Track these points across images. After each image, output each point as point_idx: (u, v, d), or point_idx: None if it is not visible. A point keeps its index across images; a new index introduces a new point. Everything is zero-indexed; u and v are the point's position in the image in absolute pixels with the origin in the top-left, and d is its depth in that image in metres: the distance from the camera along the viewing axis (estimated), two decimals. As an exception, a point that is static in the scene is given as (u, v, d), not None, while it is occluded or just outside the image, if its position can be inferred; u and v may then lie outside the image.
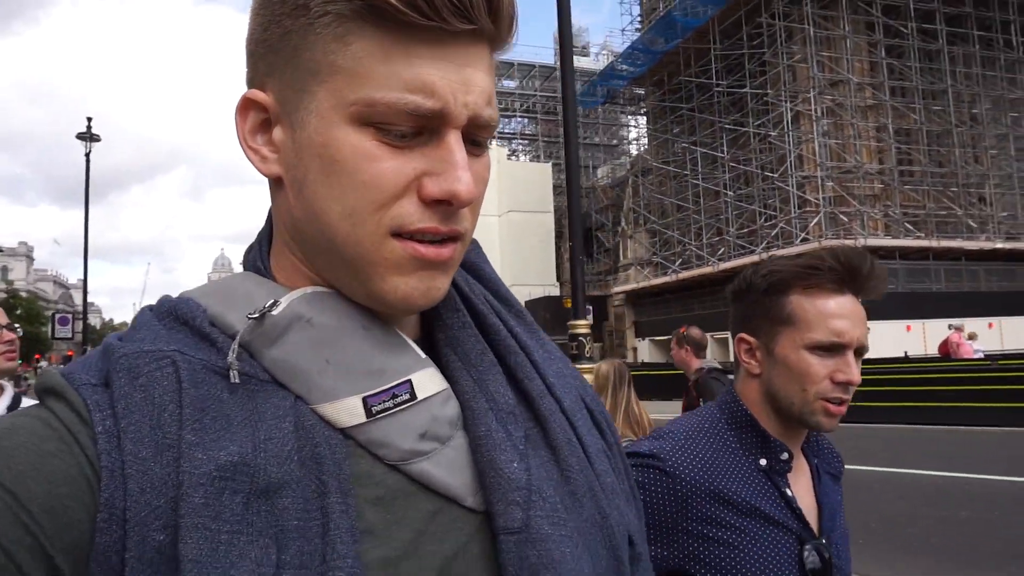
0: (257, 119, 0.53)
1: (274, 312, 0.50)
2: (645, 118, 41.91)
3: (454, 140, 0.49)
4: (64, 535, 0.41)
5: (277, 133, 0.52)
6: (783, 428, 1.15)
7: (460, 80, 0.48)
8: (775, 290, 1.13)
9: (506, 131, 50.50)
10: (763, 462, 1.13)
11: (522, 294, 41.31)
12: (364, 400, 0.49)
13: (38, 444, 0.43)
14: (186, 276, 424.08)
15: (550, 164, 49.31)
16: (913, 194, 29.34)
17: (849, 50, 29.31)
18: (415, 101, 0.46)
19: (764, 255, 28.96)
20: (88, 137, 19.06)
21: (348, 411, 0.49)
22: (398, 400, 0.50)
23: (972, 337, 15.74)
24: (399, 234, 0.49)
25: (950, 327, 15.93)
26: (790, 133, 28.67)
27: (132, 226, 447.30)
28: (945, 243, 28.17)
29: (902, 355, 20.24)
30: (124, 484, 0.42)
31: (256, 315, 0.49)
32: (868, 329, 1.11)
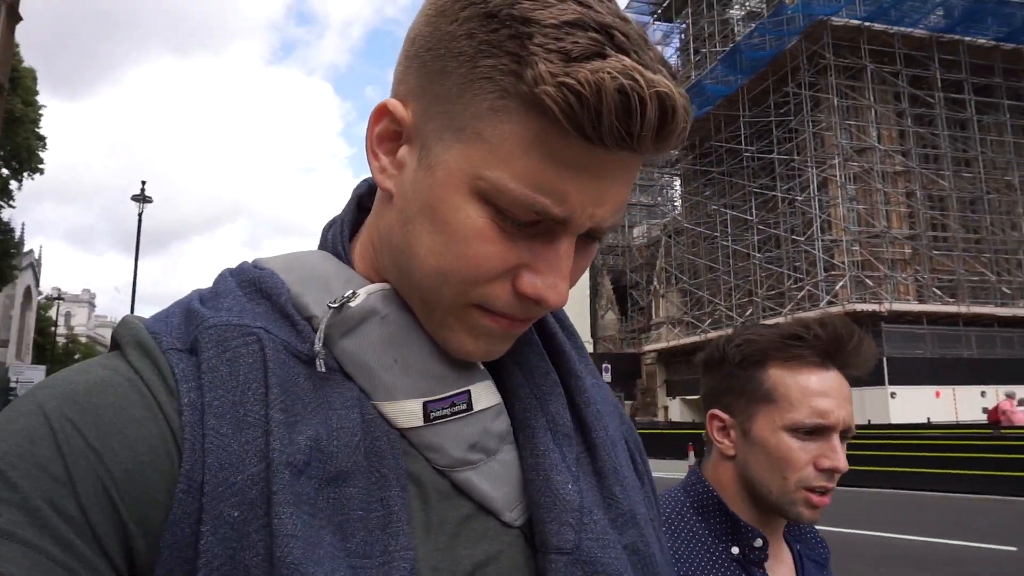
0: (389, 128, 0.51)
1: (352, 304, 0.50)
2: (679, 180, 42.78)
3: (565, 246, 0.48)
4: (140, 503, 0.42)
5: (403, 153, 0.51)
6: (760, 516, 1.04)
7: (596, 193, 0.46)
8: (751, 363, 1.03)
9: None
10: (735, 550, 1.02)
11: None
12: (425, 404, 0.50)
13: (125, 406, 0.44)
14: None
15: (586, 223, 50.43)
16: (944, 260, 29.32)
17: (875, 119, 29.92)
18: (544, 204, 0.45)
19: (789, 318, 29.10)
20: (141, 199, 20.83)
21: (408, 412, 0.50)
22: (455, 409, 0.51)
23: (1022, 403, 15.52)
24: (482, 307, 0.49)
25: (1007, 395, 15.79)
26: (816, 198, 29.16)
27: (191, 275, 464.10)
28: (976, 309, 27.97)
29: (924, 420, 20.17)
30: (204, 458, 0.43)
31: (336, 304, 0.49)
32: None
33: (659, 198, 48.76)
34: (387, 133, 0.52)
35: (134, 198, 20.83)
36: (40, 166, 24.67)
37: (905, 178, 29.83)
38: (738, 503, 1.05)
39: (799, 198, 30.03)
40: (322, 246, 0.58)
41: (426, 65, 0.49)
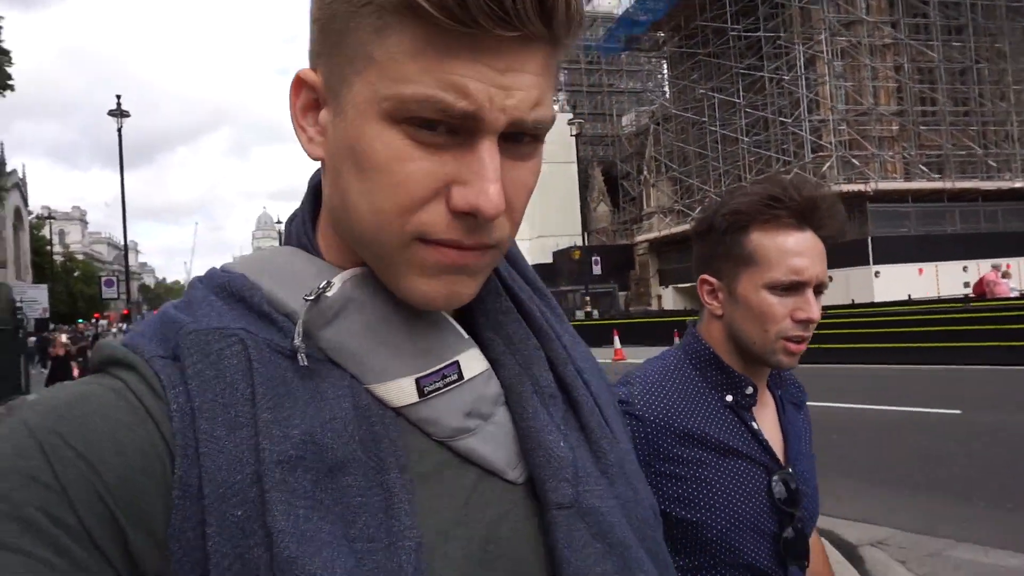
0: (308, 98, 0.52)
1: (328, 293, 0.51)
2: (666, 64, 41.60)
3: (486, 148, 0.46)
4: (136, 508, 0.42)
5: (323, 115, 0.51)
6: (746, 366, 1.15)
7: (500, 84, 0.45)
8: (735, 228, 1.12)
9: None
10: (729, 398, 1.14)
11: (548, 245, 42.34)
12: (417, 380, 0.51)
13: (112, 414, 0.44)
14: (234, 233, 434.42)
15: (571, 114, 49.51)
16: (931, 135, 29.10)
17: (863, -11, 28.82)
18: (446, 99, 0.44)
19: (776, 202, 29.23)
20: (119, 114, 20.43)
21: (401, 391, 0.51)
22: (447, 380, 0.52)
23: (1007, 275, 15.87)
24: (424, 240, 0.49)
25: (992, 266, 15.98)
26: (802, 77, 28.59)
27: (180, 186, 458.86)
28: (961, 184, 28.08)
29: (906, 298, 20.77)
30: (199, 462, 0.43)
31: (312, 297, 0.50)
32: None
33: (650, 83, 47.52)
34: (308, 103, 0.53)
35: (111, 113, 20.45)
36: (9, 82, 23.92)
37: (894, 51, 29.10)
38: (728, 356, 1.16)
39: (786, 77, 29.42)
40: (286, 242, 0.60)
41: (320, 21, 0.50)
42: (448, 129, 0.46)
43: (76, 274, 68.90)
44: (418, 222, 0.48)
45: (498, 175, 0.47)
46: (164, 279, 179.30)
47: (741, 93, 31.99)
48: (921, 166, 28.60)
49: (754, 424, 1.14)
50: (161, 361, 0.47)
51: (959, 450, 6.55)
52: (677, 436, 1.10)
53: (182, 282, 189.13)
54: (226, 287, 0.52)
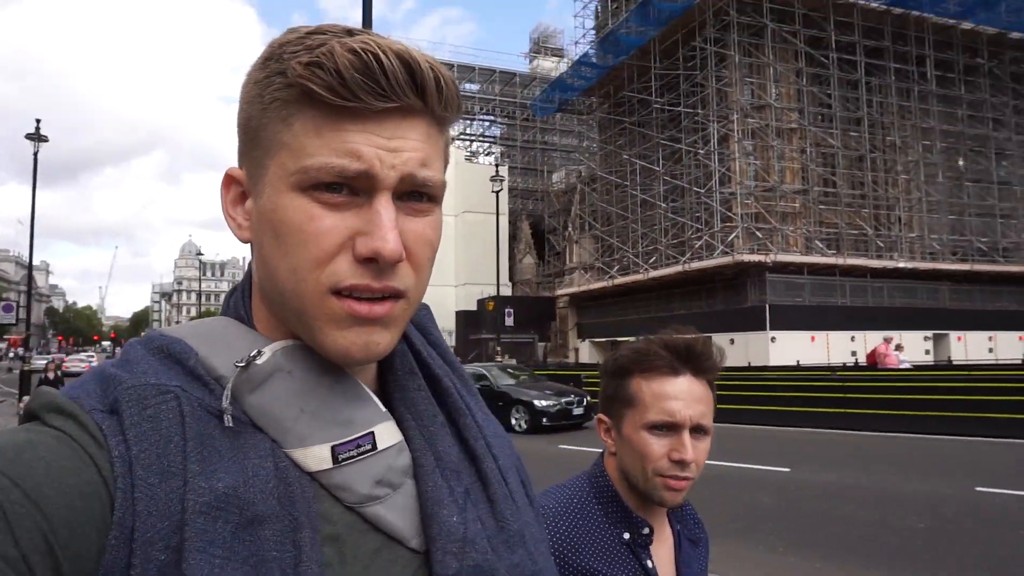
0: (236, 192, 0.59)
1: (258, 361, 0.55)
2: (596, 128, 43.68)
3: (382, 202, 0.53)
4: (76, 547, 0.44)
5: (248, 204, 0.58)
6: (640, 502, 1.20)
7: (388, 148, 0.53)
8: (621, 374, 1.20)
9: (467, 133, 52.05)
10: (626, 536, 1.17)
11: (474, 293, 42.97)
12: (333, 448, 0.55)
13: (57, 460, 0.46)
14: (157, 260, 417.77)
15: (507, 166, 50.98)
16: (829, 214, 31.54)
17: (774, 77, 31.41)
18: (341, 164, 0.52)
19: (687, 266, 31.02)
20: (36, 138, 20.02)
21: (317, 457, 0.54)
22: (361, 449, 0.56)
23: (899, 348, 16.92)
24: (337, 292, 0.54)
25: (884, 339, 17.07)
26: (715, 152, 30.70)
27: (104, 208, 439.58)
28: (851, 261, 30.43)
29: (794, 363, 22.26)
30: (133, 507, 0.46)
31: (243, 363, 0.54)
32: (709, 409, 1.16)
33: (583, 142, 49.55)
34: (236, 197, 0.59)
35: (28, 137, 20.06)
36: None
37: (799, 135, 31.64)
38: (625, 493, 1.21)
39: (701, 151, 31.50)
40: (224, 313, 0.64)
41: (241, 126, 0.57)
42: (349, 191, 0.53)
43: (-23, 291, 65.08)
44: (329, 272, 0.53)
45: (393, 224, 0.53)
46: (75, 303, 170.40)
47: (661, 162, 33.98)
48: (817, 242, 30.89)
49: (648, 563, 1.18)
50: (100, 414, 0.49)
51: (784, 504, 7.39)
52: (571, 572, 1.14)
53: (94, 307, 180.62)
54: (164, 349, 0.55)
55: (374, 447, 0.57)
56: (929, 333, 29.97)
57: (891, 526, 6.29)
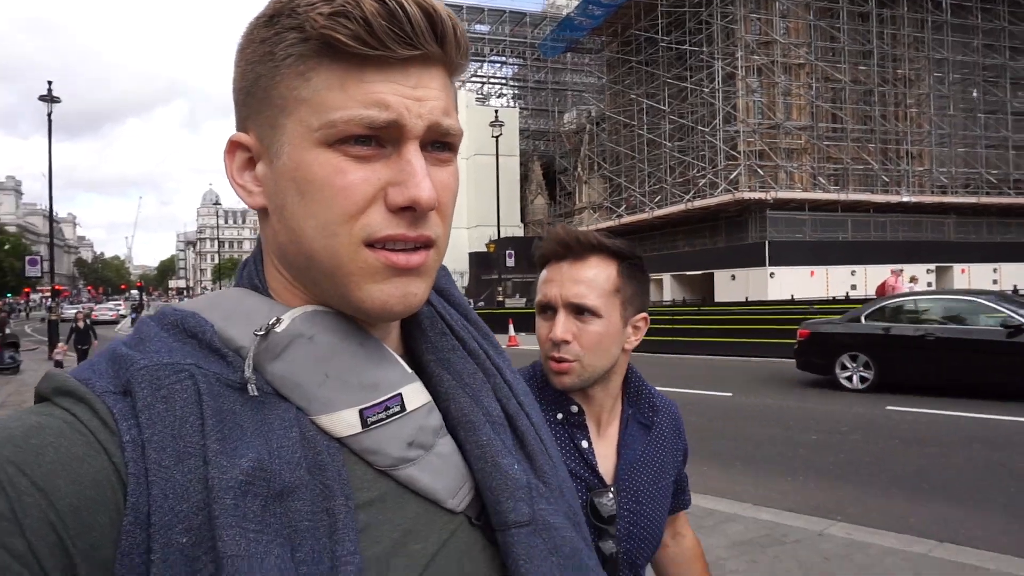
0: (243, 158, 0.57)
1: (278, 329, 0.53)
2: (605, 68, 43.36)
3: (413, 150, 0.53)
4: (87, 537, 0.43)
5: (260, 168, 0.56)
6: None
7: (413, 96, 0.52)
8: (537, 263, 1.24)
9: (478, 75, 51.85)
10: (559, 415, 1.19)
11: (486, 235, 43.60)
12: (361, 412, 0.54)
13: (67, 446, 0.45)
14: (181, 209, 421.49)
15: (517, 108, 50.92)
16: (834, 151, 31.54)
17: (780, 12, 31.00)
18: (370, 115, 0.51)
19: (690, 204, 31.42)
20: (49, 99, 20.63)
21: (345, 422, 0.53)
22: (390, 412, 0.55)
23: (913, 280, 16.91)
24: (371, 244, 0.53)
25: (892, 271, 17.03)
26: (720, 90, 30.64)
27: (128, 159, 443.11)
28: (854, 196, 30.59)
29: (800, 297, 22.83)
30: (148, 490, 0.45)
31: (262, 332, 0.53)
32: (585, 288, 1.15)
33: (592, 79, 49.22)
34: (243, 163, 0.58)
35: (41, 98, 20.71)
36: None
37: (807, 70, 31.38)
38: None
39: (706, 89, 31.43)
40: (238, 284, 0.63)
41: (245, 88, 0.56)
42: (377, 142, 0.53)
43: (6, 247, 67.14)
44: (363, 224, 0.53)
45: (426, 172, 0.53)
46: (103, 253, 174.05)
47: (668, 101, 33.96)
48: (821, 178, 31.01)
49: (583, 443, 1.19)
50: (112, 396, 0.48)
51: (727, 426, 8.29)
52: None
53: (122, 257, 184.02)
54: (177, 324, 0.54)
55: (403, 409, 0.56)
56: (932, 266, 30.26)
57: (818, 441, 7.18)
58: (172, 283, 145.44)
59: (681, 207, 32.13)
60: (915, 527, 4.37)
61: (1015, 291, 21.31)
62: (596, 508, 1.16)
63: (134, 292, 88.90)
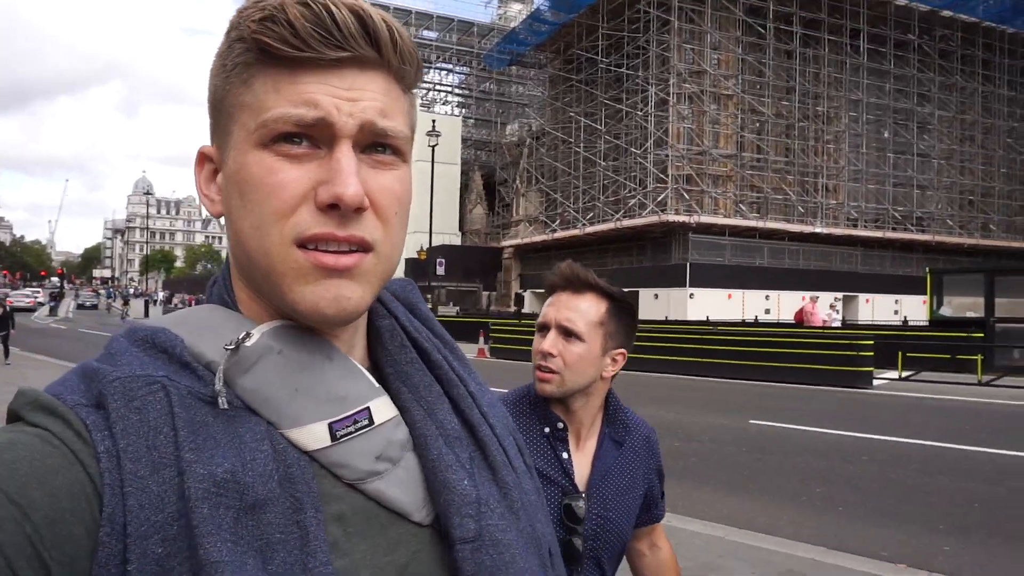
0: (209, 169, 0.59)
1: (248, 343, 0.54)
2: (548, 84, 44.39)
3: (344, 149, 0.53)
4: (63, 548, 0.43)
5: (219, 178, 0.58)
6: (559, 403, 1.40)
7: (346, 96, 0.53)
8: (546, 291, 1.45)
9: (423, 81, 52.03)
10: (547, 430, 1.37)
11: (424, 240, 44.01)
12: (330, 425, 0.54)
13: (40, 459, 0.45)
14: (113, 196, 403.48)
15: (461, 117, 51.51)
16: (756, 179, 33.26)
17: (711, 44, 32.58)
18: (299, 113, 0.52)
19: (619, 223, 32.56)
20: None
21: (314, 436, 0.53)
22: (359, 425, 0.55)
23: (833, 307, 18.39)
24: (302, 244, 0.53)
25: (810, 298, 18.64)
26: (652, 114, 31.96)
27: (57, 138, 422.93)
28: (771, 224, 32.33)
29: (716, 318, 24.03)
30: (124, 501, 0.45)
31: (232, 346, 0.53)
32: (577, 314, 1.37)
33: (535, 92, 50.19)
34: (209, 174, 0.60)
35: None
36: None
37: (734, 101, 33.03)
38: None
39: (640, 113, 32.71)
40: (208, 301, 0.63)
41: (209, 102, 0.59)
42: (310, 143, 0.53)
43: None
44: (292, 224, 0.53)
45: (354, 170, 0.53)
46: (23, 237, 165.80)
47: (604, 121, 35.15)
48: (742, 205, 32.63)
49: (564, 454, 1.35)
50: (85, 409, 0.48)
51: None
52: None
53: (43, 242, 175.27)
54: (147, 339, 0.54)
55: (371, 422, 0.57)
56: (840, 295, 32.21)
57: (678, 448, 7.93)
58: (97, 272, 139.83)
59: (611, 225, 33.26)
60: (728, 518, 5.08)
61: (905, 322, 22.98)
62: (571, 510, 1.32)
63: (54, 279, 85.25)
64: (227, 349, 0.53)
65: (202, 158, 0.60)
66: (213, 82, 0.57)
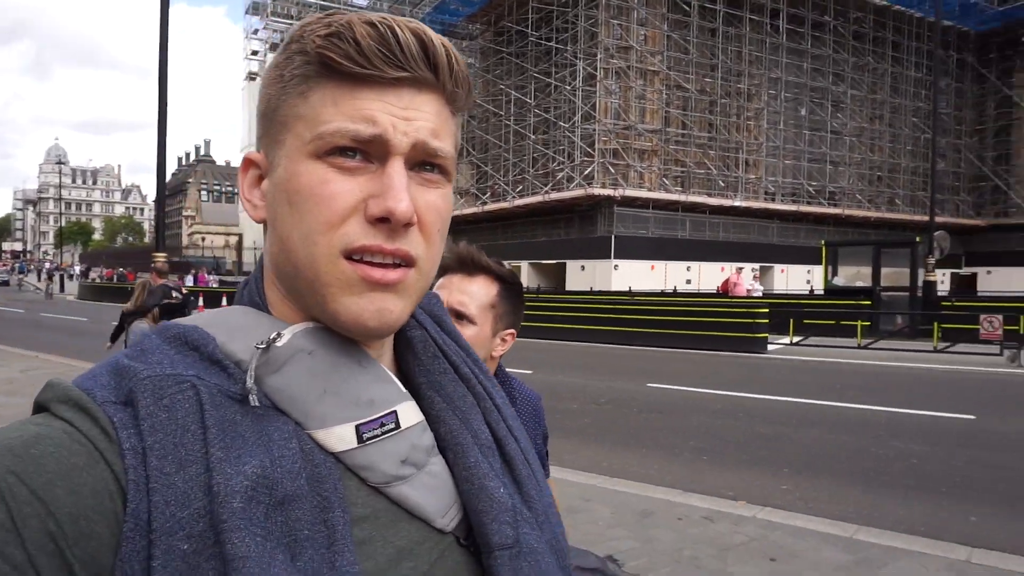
0: (254, 175, 0.60)
1: (279, 343, 0.55)
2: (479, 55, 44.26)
3: (396, 166, 0.54)
4: (85, 546, 0.44)
5: (265, 184, 0.59)
6: None
7: (402, 115, 0.54)
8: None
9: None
10: None
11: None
12: (357, 428, 0.55)
13: (66, 456, 0.46)
14: (24, 163, 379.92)
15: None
16: (680, 154, 34.32)
17: (638, 20, 33.17)
18: (356, 128, 0.53)
19: (547, 196, 33.12)
20: None
21: (341, 437, 0.54)
22: (385, 428, 0.56)
23: (756, 278, 19.31)
24: (349, 256, 0.54)
25: (737, 269, 19.40)
26: (580, 89, 32.44)
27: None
28: (692, 198, 33.51)
29: (641, 288, 24.88)
30: (148, 497, 0.45)
31: (264, 345, 0.54)
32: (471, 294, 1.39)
33: (469, 63, 49.82)
34: (254, 180, 0.61)
35: None
36: None
37: (661, 77, 33.82)
38: None
39: (567, 88, 33.14)
40: (238, 302, 0.64)
41: (261, 111, 0.60)
42: (363, 157, 0.55)
43: None
44: (342, 234, 0.54)
45: (405, 186, 0.54)
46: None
47: (534, 94, 35.42)
48: (665, 179, 33.67)
49: None
50: (113, 406, 0.49)
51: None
52: None
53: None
54: (179, 337, 0.55)
55: (397, 426, 0.57)
56: (757, 265, 33.77)
57: (576, 410, 8.49)
58: (7, 245, 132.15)
59: (539, 198, 33.77)
60: (608, 469, 5.62)
61: (811, 291, 24.42)
62: None
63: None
64: (258, 348, 0.54)
65: (248, 164, 0.61)
66: (267, 91, 0.58)
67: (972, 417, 7.69)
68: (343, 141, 0.54)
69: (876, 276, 16.08)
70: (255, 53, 59.76)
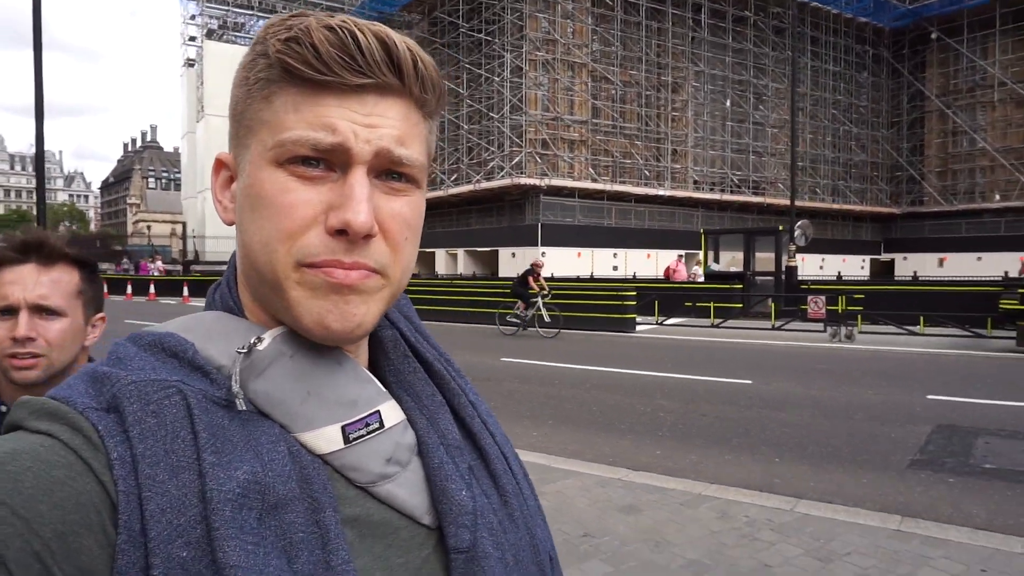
0: (224, 176, 0.59)
1: (260, 347, 0.54)
2: (417, 44, 44.54)
3: (358, 175, 0.52)
4: (75, 561, 0.42)
5: (234, 186, 0.58)
6: (6, 381, 1.25)
7: (364, 122, 0.52)
8: None
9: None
10: None
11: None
12: (343, 428, 0.54)
13: (45, 470, 0.44)
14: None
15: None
16: (608, 145, 35.52)
17: (563, 13, 34.14)
18: (317, 137, 0.51)
19: (477, 185, 34.01)
20: None
21: (328, 438, 0.53)
22: (370, 428, 0.56)
23: (698, 263, 20.26)
24: (307, 266, 0.53)
25: (678, 256, 20.92)
26: (508, 80, 33.32)
27: None
28: (617, 187, 34.80)
29: (565, 275, 25.90)
30: (141, 506, 0.44)
31: (245, 350, 0.53)
32: (46, 290, 1.23)
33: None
34: (225, 181, 0.59)
35: None
36: None
37: (588, 69, 34.88)
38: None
39: (496, 79, 33.99)
40: (209, 307, 0.62)
41: (231, 112, 0.59)
42: (326, 166, 0.53)
43: None
44: (300, 246, 0.52)
45: (366, 197, 0.52)
46: None
47: (467, 85, 36.17)
48: (591, 168, 34.86)
49: None
50: (96, 413, 0.47)
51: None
52: None
53: None
54: (157, 344, 0.54)
55: (382, 425, 0.57)
56: (682, 252, 35.27)
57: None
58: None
59: (470, 187, 34.65)
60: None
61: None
62: None
63: None
64: (239, 353, 0.53)
65: (219, 165, 0.60)
66: (235, 93, 0.58)
67: (749, 382, 8.88)
68: (303, 151, 0.52)
69: (748, 261, 17.41)
70: (192, 39, 58.81)
